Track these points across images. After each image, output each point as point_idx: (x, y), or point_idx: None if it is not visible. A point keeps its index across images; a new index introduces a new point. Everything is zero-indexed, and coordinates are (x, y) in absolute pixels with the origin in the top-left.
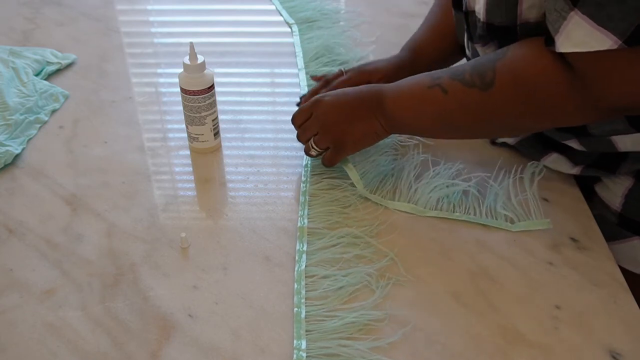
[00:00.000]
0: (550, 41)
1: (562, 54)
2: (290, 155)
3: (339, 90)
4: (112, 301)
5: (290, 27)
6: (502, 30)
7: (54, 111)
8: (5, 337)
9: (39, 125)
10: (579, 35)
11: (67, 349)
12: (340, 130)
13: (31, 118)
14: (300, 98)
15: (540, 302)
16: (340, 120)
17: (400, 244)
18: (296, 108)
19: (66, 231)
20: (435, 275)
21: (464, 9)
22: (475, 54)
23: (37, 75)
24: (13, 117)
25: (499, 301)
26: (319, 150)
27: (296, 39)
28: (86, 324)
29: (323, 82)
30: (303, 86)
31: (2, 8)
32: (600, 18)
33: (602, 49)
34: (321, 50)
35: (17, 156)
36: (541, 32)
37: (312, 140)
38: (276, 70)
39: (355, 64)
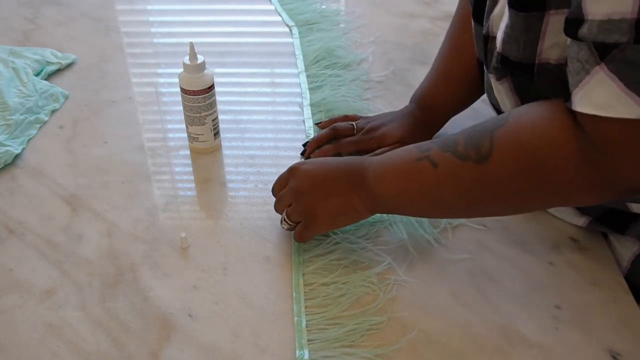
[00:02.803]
0: (567, 96)
1: (576, 119)
2: (290, 155)
3: (320, 159)
4: (112, 301)
5: (290, 30)
6: (517, 66)
7: (54, 111)
8: (5, 337)
9: (39, 125)
10: (603, 96)
11: (67, 349)
12: (312, 203)
13: (31, 118)
14: (304, 145)
15: (540, 302)
16: (314, 192)
17: (399, 246)
18: (298, 145)
19: (66, 231)
20: (435, 276)
21: (484, 30)
22: (487, 80)
23: (37, 75)
24: (13, 117)
25: (499, 301)
26: (289, 223)
27: (296, 42)
28: (86, 324)
29: (331, 133)
30: (304, 89)
31: (2, 8)
32: (632, 80)
33: (629, 117)
34: (321, 53)
35: (17, 156)
36: (562, 76)
37: (285, 211)
38: (276, 71)
39: (356, 65)
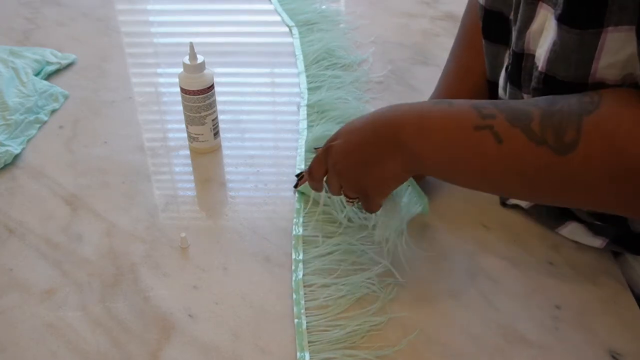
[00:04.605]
0: None
1: None
2: (290, 155)
3: (350, 126)
4: (112, 301)
5: (290, 30)
6: (565, 87)
7: (53, 111)
8: (5, 337)
9: (38, 125)
10: None
11: (67, 349)
12: (356, 179)
13: (31, 118)
14: (297, 176)
15: (540, 302)
16: (354, 169)
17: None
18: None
19: (66, 231)
20: (435, 275)
21: (513, 47)
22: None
23: (36, 75)
24: (13, 117)
25: (499, 301)
26: (351, 200)
27: (296, 42)
28: (86, 324)
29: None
30: (303, 89)
31: (2, 8)
32: None
33: None
34: (322, 54)
35: (17, 156)
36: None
37: (342, 193)
38: (276, 70)
39: (356, 66)
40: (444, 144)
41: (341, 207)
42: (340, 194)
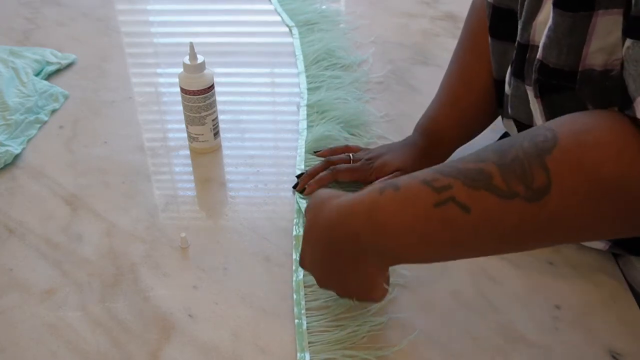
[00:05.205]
0: (625, 104)
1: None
2: (290, 155)
3: (308, 235)
4: (112, 301)
5: (290, 30)
6: (556, 75)
7: (53, 111)
8: (5, 337)
9: (39, 125)
10: None
11: (67, 349)
12: (343, 287)
13: (31, 118)
14: (298, 177)
15: (540, 302)
16: (334, 280)
17: None
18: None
19: (66, 231)
20: (435, 275)
21: (519, 39)
22: (517, 93)
23: (37, 75)
24: (13, 117)
25: (499, 301)
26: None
27: (296, 42)
28: (86, 324)
29: (325, 165)
30: (303, 89)
31: (2, 8)
32: None
33: None
34: (322, 54)
35: (17, 156)
36: (607, 83)
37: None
38: (276, 70)
39: (356, 67)
40: (408, 233)
41: None
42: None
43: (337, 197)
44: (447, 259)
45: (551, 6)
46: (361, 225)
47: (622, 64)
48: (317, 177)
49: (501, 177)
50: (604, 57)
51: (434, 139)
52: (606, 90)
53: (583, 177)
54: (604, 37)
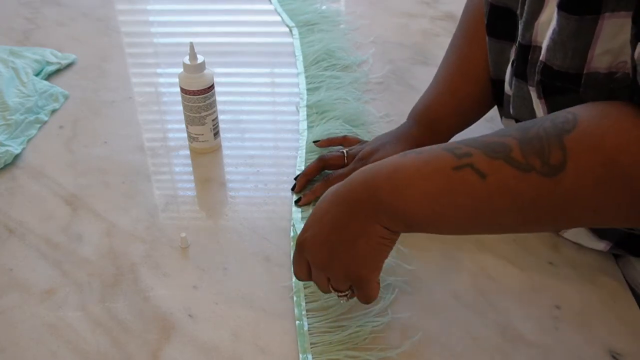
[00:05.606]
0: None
1: None
2: (290, 155)
3: (315, 210)
4: (112, 301)
5: (290, 30)
6: (561, 77)
7: (53, 111)
8: (5, 337)
9: (39, 125)
10: None
11: (67, 349)
12: (344, 266)
13: (31, 118)
14: (295, 179)
15: (540, 302)
16: (336, 255)
17: (400, 244)
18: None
19: (66, 231)
20: (435, 276)
21: (521, 40)
22: (519, 94)
23: (37, 75)
24: (13, 117)
25: (499, 301)
26: (343, 294)
27: (296, 42)
28: (86, 324)
29: (319, 164)
30: (302, 89)
31: (2, 8)
32: None
33: None
34: (321, 55)
35: (17, 156)
36: (612, 86)
37: (331, 288)
38: (276, 71)
39: (356, 67)
40: (425, 193)
41: None
42: (329, 290)
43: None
44: (459, 229)
45: (555, 8)
46: (382, 182)
47: (634, 69)
48: (312, 190)
49: (520, 151)
50: (609, 59)
51: (430, 128)
52: (611, 93)
53: (600, 160)
54: (610, 40)
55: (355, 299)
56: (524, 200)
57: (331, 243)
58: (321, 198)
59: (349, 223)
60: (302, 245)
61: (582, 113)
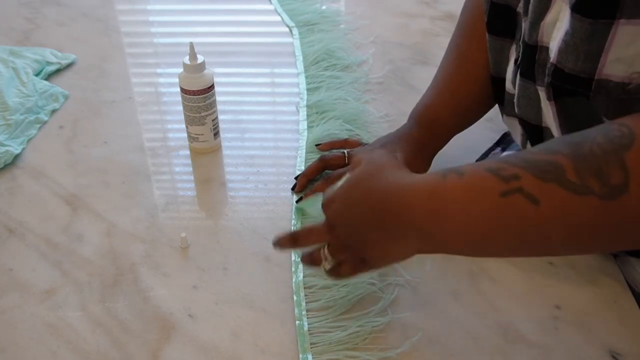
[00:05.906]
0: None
1: None
2: (290, 155)
3: (352, 179)
4: (112, 301)
5: (290, 30)
6: (572, 80)
7: (53, 111)
8: (5, 337)
9: (39, 125)
10: None
11: (67, 349)
12: (361, 243)
13: (31, 118)
14: (296, 179)
15: (540, 302)
16: (362, 231)
17: None
18: (292, 180)
19: (66, 231)
20: (435, 275)
21: (524, 38)
22: (525, 93)
23: (37, 75)
24: (13, 117)
25: (499, 301)
26: (328, 262)
27: (296, 42)
28: (86, 324)
29: (320, 164)
30: (302, 90)
31: (2, 8)
32: None
33: None
34: (322, 55)
35: (17, 156)
36: (622, 96)
37: (325, 249)
38: (276, 71)
39: (356, 67)
40: (468, 225)
41: None
42: (319, 256)
43: (397, 168)
44: (500, 254)
45: (561, 9)
46: (419, 205)
47: None
48: (313, 187)
49: (574, 171)
50: (622, 67)
51: (431, 127)
52: (621, 103)
53: None
54: (624, 47)
55: (331, 267)
56: (581, 226)
57: (354, 226)
58: (358, 164)
59: (372, 226)
60: (325, 211)
61: (637, 125)
